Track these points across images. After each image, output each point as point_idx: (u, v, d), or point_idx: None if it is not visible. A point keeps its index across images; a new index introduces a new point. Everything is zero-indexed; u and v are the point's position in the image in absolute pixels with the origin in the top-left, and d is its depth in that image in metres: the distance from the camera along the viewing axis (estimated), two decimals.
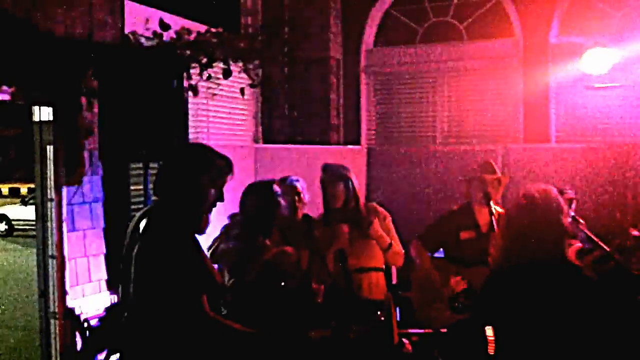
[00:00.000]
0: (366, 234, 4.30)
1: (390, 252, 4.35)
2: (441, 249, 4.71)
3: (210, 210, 2.79)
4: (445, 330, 3.88)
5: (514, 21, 7.47)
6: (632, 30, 6.86)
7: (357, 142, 7.95)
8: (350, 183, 4.39)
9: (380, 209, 4.52)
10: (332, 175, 4.40)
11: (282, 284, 3.62)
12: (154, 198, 2.79)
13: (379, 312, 3.64)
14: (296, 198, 4.51)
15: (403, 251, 4.43)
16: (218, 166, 2.80)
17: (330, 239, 4.22)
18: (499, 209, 4.39)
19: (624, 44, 6.67)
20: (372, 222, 4.26)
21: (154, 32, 4.97)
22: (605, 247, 4.67)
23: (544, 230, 2.90)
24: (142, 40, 5.04)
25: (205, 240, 3.11)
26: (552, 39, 7.28)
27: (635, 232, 5.49)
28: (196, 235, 2.78)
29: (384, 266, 4.45)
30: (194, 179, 2.74)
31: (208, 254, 4.04)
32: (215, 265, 4.03)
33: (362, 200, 4.53)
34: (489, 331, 3.39)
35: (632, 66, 6.69)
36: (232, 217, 4.34)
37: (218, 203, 2.81)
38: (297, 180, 4.63)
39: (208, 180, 2.76)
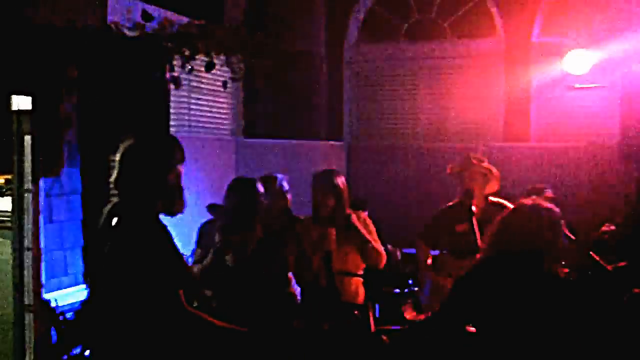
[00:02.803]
0: (352, 241, 4.35)
1: (373, 257, 4.41)
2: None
3: (182, 193, 2.77)
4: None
5: (496, 20, 7.50)
6: (613, 32, 6.91)
7: (339, 138, 7.94)
8: (341, 194, 4.43)
9: (363, 214, 4.58)
10: (322, 185, 4.43)
11: None
12: (117, 192, 2.76)
13: (356, 312, 3.66)
14: (280, 196, 4.53)
15: (384, 255, 4.50)
16: (176, 145, 2.80)
17: (318, 241, 4.28)
18: (494, 199, 4.47)
19: (604, 45, 6.72)
20: (357, 226, 4.33)
21: (136, 23, 4.90)
22: (583, 245, 4.72)
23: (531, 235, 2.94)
24: (125, 30, 4.98)
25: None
26: (534, 39, 7.32)
27: (610, 227, 5.55)
28: (169, 229, 2.75)
29: (363, 272, 4.50)
30: (162, 171, 2.72)
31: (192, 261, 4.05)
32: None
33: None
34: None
35: (613, 67, 6.74)
36: (208, 223, 4.35)
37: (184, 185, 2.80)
38: (282, 178, 4.64)
39: (172, 169, 2.75)
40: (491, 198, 4.45)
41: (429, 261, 4.73)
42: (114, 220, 2.70)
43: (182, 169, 2.80)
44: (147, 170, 2.72)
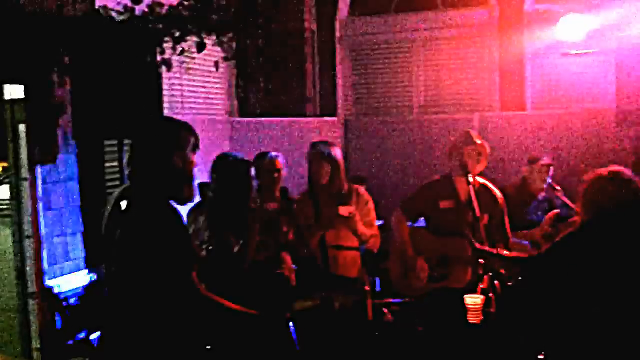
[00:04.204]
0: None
1: (370, 243, 4.43)
2: (422, 219, 4.74)
3: (191, 180, 2.78)
4: (424, 298, 3.94)
5: None
6: None
7: (334, 114, 7.92)
8: (337, 163, 4.42)
9: (363, 192, 4.55)
10: (319, 154, 4.42)
11: None
12: (129, 176, 2.77)
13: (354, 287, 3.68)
14: (275, 174, 4.54)
15: (377, 236, 4.50)
16: (188, 140, 2.79)
17: (318, 222, 4.33)
18: (480, 180, 4.41)
19: (598, 10, 6.67)
20: (356, 222, 4.31)
21: (125, 6, 4.87)
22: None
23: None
24: (114, 14, 4.94)
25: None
26: (527, 7, 7.27)
27: None
28: (180, 213, 2.77)
29: (358, 246, 4.50)
30: (166, 156, 2.72)
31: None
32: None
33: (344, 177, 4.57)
34: (469, 299, 3.43)
35: (607, 32, 6.70)
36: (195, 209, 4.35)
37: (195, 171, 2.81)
38: (277, 156, 4.64)
39: (180, 154, 2.75)
40: (478, 179, 4.39)
41: (405, 232, 4.58)
42: (123, 205, 2.71)
43: (192, 155, 2.79)
44: (150, 154, 2.73)
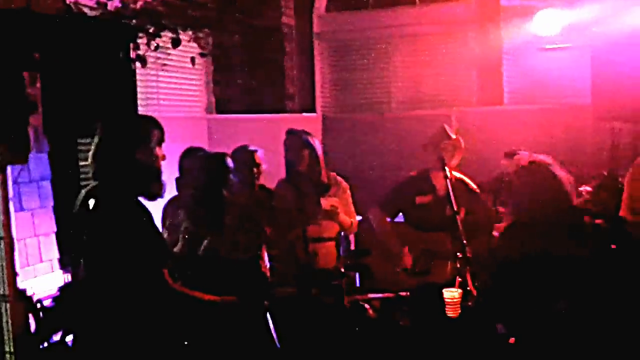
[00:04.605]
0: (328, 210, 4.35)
1: (350, 231, 4.47)
2: (401, 214, 4.73)
3: (158, 175, 2.74)
4: (405, 293, 3.93)
5: None
6: None
7: (312, 110, 7.89)
8: (314, 150, 4.41)
9: (341, 180, 4.57)
10: (297, 141, 4.42)
11: None
12: (95, 174, 2.72)
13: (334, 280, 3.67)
14: (254, 169, 4.50)
15: (356, 222, 4.51)
16: (152, 134, 2.75)
17: (301, 215, 4.30)
18: (457, 174, 4.41)
19: (574, 4, 6.70)
20: (339, 214, 4.33)
21: (98, 2, 4.79)
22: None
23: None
24: (86, 10, 4.86)
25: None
26: (504, 2, 7.28)
27: (586, 188, 5.60)
28: (148, 210, 2.72)
29: (335, 236, 4.51)
30: (130, 151, 2.68)
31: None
32: None
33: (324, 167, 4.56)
34: (447, 293, 3.43)
35: (584, 27, 6.72)
36: (171, 203, 4.31)
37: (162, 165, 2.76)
38: (255, 150, 4.59)
39: (144, 149, 2.71)
40: (454, 173, 4.40)
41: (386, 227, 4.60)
42: (91, 203, 2.67)
43: (159, 150, 2.75)
44: (114, 151, 2.69)
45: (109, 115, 4.11)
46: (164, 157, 2.77)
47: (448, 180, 4.08)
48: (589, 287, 2.87)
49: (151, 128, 2.75)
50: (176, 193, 4.43)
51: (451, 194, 3.95)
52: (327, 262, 4.41)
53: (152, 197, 2.76)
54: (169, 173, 2.88)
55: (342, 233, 4.71)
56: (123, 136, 2.72)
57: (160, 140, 2.77)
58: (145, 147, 2.71)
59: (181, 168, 4.44)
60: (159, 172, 2.76)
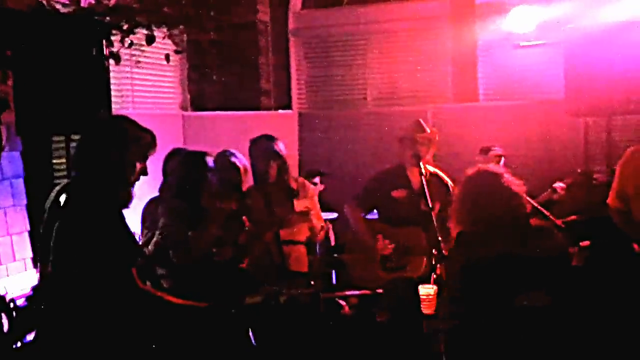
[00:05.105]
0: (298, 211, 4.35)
1: (321, 235, 4.46)
2: (375, 211, 4.74)
3: (134, 184, 2.74)
4: (381, 290, 3.94)
5: None
6: None
7: (289, 107, 7.88)
8: (283, 158, 4.39)
9: (308, 185, 4.58)
10: (263, 152, 4.39)
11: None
12: (73, 173, 2.72)
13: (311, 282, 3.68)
14: (240, 177, 4.48)
15: (326, 226, 4.52)
16: (143, 140, 2.74)
17: (271, 220, 4.30)
18: (431, 168, 4.43)
19: (549, 2, 6.76)
20: (311, 217, 4.32)
21: None
22: (533, 202, 4.80)
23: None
24: (59, 7, 4.81)
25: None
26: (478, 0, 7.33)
27: (560, 185, 5.66)
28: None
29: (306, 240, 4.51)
30: (117, 154, 2.68)
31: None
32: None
33: (292, 170, 4.57)
34: (422, 290, 3.44)
35: (557, 23, 6.79)
36: (151, 203, 4.28)
37: (142, 177, 2.76)
38: (234, 154, 4.54)
39: (133, 155, 2.71)
40: (429, 167, 4.42)
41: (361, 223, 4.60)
42: (62, 200, 2.66)
43: (140, 163, 2.73)
44: (93, 151, 2.68)
45: (93, 116, 4.10)
46: (144, 171, 2.76)
47: (423, 177, 4.10)
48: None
49: (138, 137, 2.75)
50: (157, 194, 4.41)
51: (426, 189, 3.97)
52: (299, 265, 4.41)
53: (123, 205, 2.75)
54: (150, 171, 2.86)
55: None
56: (105, 138, 2.72)
57: (145, 153, 2.76)
58: (123, 154, 2.69)
59: (165, 170, 4.40)
60: (129, 182, 2.74)
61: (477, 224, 3.04)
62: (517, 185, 3.14)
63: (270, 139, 4.48)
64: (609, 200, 4.33)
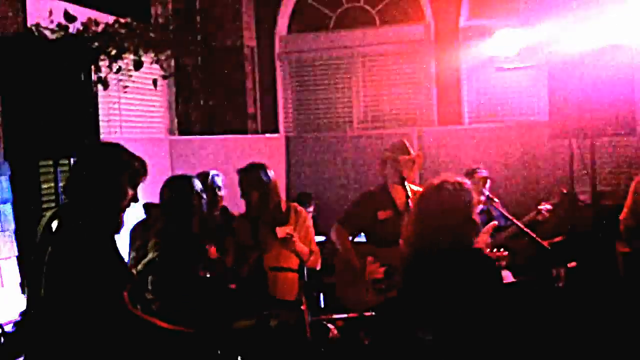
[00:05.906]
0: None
1: (310, 261, 4.40)
2: (362, 233, 4.75)
3: (125, 210, 2.76)
4: (369, 313, 3.94)
5: (424, 6, 7.58)
6: (539, 12, 7.06)
7: (275, 130, 7.92)
8: (266, 187, 4.38)
9: (301, 210, 4.55)
10: (247, 182, 4.40)
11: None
12: (65, 198, 2.73)
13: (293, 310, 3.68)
14: (216, 194, 4.53)
15: (319, 253, 4.49)
16: (134, 167, 2.76)
17: (255, 244, 4.30)
18: (415, 188, 4.47)
19: (531, 25, 6.86)
20: (294, 242, 4.24)
21: (59, 24, 4.78)
22: (519, 223, 4.85)
23: (450, 219, 2.97)
24: (47, 33, 4.84)
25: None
26: (462, 23, 7.43)
27: (546, 206, 5.72)
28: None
29: (297, 268, 4.45)
30: (110, 180, 2.70)
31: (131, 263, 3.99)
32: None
33: (282, 196, 4.57)
34: None
35: (540, 47, 6.90)
36: (139, 225, 4.30)
37: (132, 203, 2.78)
38: (217, 175, 4.63)
39: (124, 181, 2.73)
40: (413, 187, 4.45)
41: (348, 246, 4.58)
42: (54, 225, 2.66)
43: (130, 191, 2.76)
44: (85, 176, 2.70)
45: (91, 143, 4.11)
46: (135, 198, 2.78)
47: (408, 199, 4.14)
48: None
49: (129, 164, 2.77)
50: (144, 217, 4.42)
51: (411, 208, 3.99)
52: (285, 292, 4.34)
53: (111, 231, 2.77)
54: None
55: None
56: (98, 165, 2.73)
57: (136, 180, 2.78)
58: (115, 181, 2.71)
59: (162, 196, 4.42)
60: (120, 208, 2.76)
61: (422, 242, 3.03)
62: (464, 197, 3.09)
63: (254, 167, 4.48)
64: (621, 216, 4.65)
